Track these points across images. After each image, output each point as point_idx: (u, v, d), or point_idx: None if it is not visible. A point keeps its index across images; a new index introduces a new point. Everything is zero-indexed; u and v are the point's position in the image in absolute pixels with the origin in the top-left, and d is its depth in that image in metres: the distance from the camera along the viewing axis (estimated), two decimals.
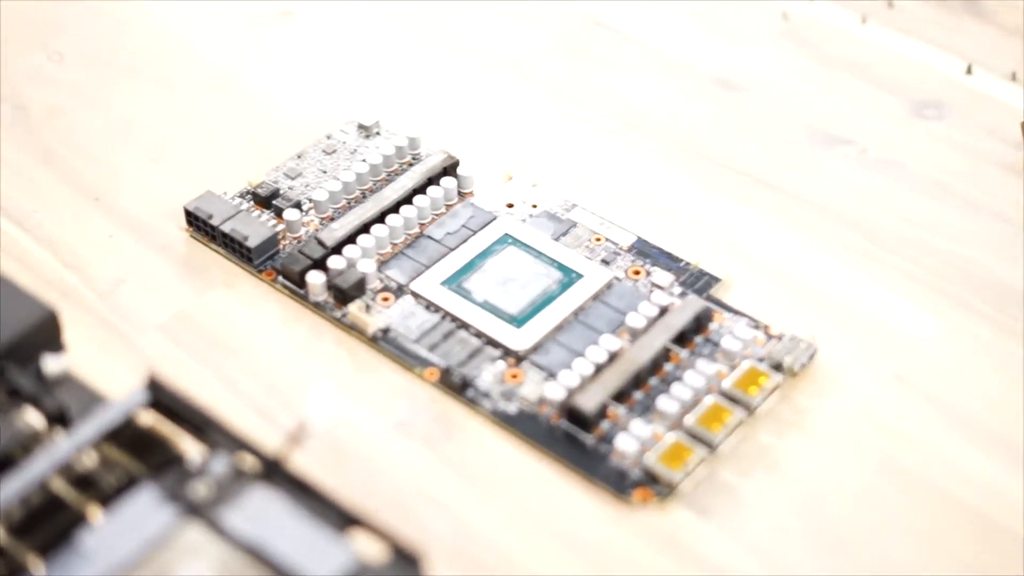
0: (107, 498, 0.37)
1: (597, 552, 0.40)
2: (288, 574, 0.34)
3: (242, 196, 0.49)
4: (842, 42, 0.56)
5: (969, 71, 0.54)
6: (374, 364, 0.45)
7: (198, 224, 0.48)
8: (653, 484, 0.41)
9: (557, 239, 0.48)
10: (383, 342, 0.45)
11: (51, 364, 0.39)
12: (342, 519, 0.35)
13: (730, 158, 0.51)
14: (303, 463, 0.40)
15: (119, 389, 0.39)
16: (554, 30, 0.57)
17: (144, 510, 0.36)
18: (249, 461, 0.37)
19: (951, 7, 0.57)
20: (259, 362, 0.45)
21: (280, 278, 0.47)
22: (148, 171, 0.51)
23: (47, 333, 0.40)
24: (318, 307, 0.46)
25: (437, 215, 0.49)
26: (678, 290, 0.46)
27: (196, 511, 0.36)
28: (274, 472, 0.36)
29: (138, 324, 0.45)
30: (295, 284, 0.46)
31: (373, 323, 0.45)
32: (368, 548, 0.35)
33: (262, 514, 0.35)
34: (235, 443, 0.37)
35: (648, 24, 0.57)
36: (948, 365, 0.44)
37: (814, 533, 0.40)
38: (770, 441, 0.42)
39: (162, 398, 0.38)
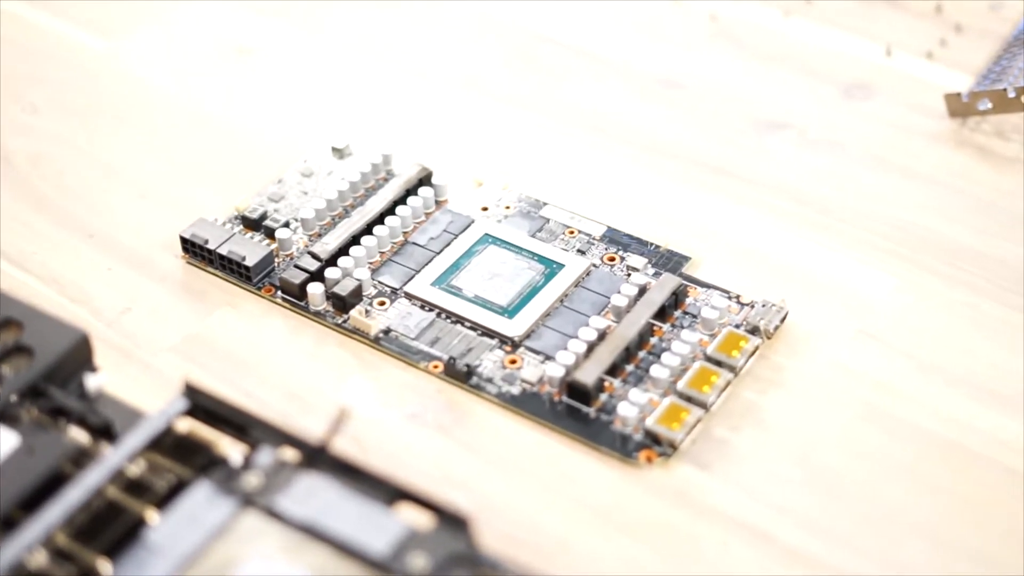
0: (162, 501, 0.39)
1: (615, 512, 0.43)
2: (346, 548, 0.37)
3: (231, 221, 0.52)
4: (769, 37, 0.60)
5: (889, 53, 0.59)
6: (379, 363, 0.47)
7: (195, 250, 0.50)
8: (655, 445, 0.44)
9: (533, 235, 0.51)
10: (385, 342, 0.48)
11: (92, 381, 0.41)
12: (389, 494, 0.38)
13: (682, 149, 0.55)
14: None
15: (145, 406, 0.42)
16: (503, 48, 0.61)
17: (201, 505, 0.38)
18: (290, 453, 0.40)
19: None
20: (272, 372, 0.47)
21: (280, 293, 0.49)
22: (136, 206, 0.53)
23: (82, 354, 0.42)
24: (319, 316, 0.49)
25: (418, 223, 0.52)
26: (652, 271, 0.50)
27: (250, 500, 0.38)
28: (318, 459, 0.39)
29: (151, 348, 0.48)
30: (295, 297, 0.49)
31: (375, 325, 0.48)
32: (417, 518, 0.38)
33: (312, 497, 0.38)
34: (279, 436, 0.40)
35: (588, 35, 0.61)
36: (907, 317, 0.48)
37: (809, 476, 0.44)
38: (755, 398, 0.46)
39: (200, 403, 0.41)
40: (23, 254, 0.51)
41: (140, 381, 0.47)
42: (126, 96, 0.59)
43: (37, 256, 0.51)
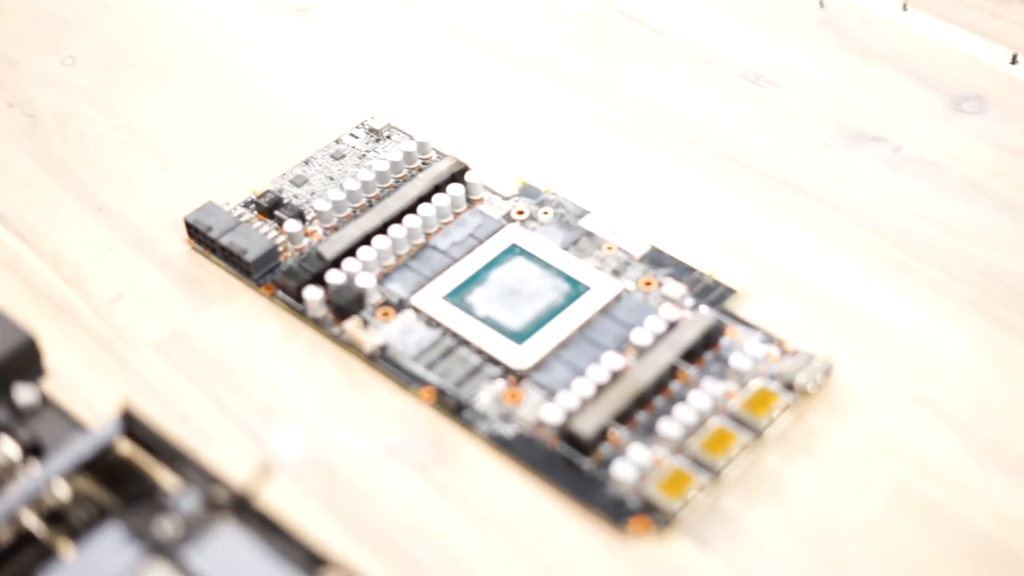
0: (77, 532, 0.36)
1: None
2: None
3: (246, 205, 0.48)
4: (881, 31, 0.53)
5: (1014, 61, 0.51)
6: (370, 383, 0.43)
7: (199, 236, 0.47)
8: (652, 513, 0.39)
9: (567, 248, 0.46)
10: (380, 360, 0.43)
11: (23, 394, 0.38)
12: (309, 559, 0.34)
13: (755, 159, 0.49)
14: (294, 490, 0.40)
15: (109, 411, 0.38)
16: (577, 22, 0.55)
17: (110, 548, 0.35)
18: (221, 494, 0.36)
19: None
20: (254, 382, 0.43)
21: (279, 292, 0.45)
22: (155, 180, 0.50)
23: (26, 359, 0.39)
24: (317, 323, 0.45)
25: (445, 223, 0.47)
26: (690, 302, 0.44)
27: (162, 550, 0.35)
28: (243, 508, 0.35)
29: (133, 343, 0.44)
30: (294, 299, 0.45)
31: (370, 340, 0.43)
32: None
33: (228, 554, 0.34)
34: (206, 477, 0.36)
35: (676, 15, 0.55)
36: (976, 386, 0.42)
37: (822, 569, 0.38)
38: (779, 466, 0.40)
39: (135, 430, 0.37)
40: (26, 223, 0.48)
41: (113, 379, 0.43)
42: (171, 54, 0.55)
43: (40, 227, 0.48)
